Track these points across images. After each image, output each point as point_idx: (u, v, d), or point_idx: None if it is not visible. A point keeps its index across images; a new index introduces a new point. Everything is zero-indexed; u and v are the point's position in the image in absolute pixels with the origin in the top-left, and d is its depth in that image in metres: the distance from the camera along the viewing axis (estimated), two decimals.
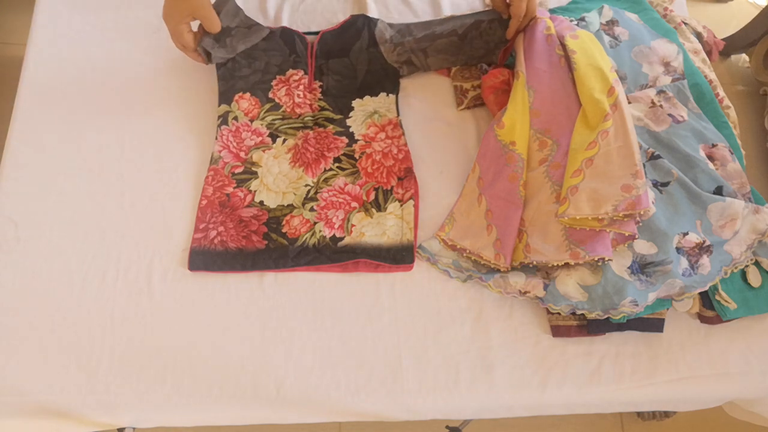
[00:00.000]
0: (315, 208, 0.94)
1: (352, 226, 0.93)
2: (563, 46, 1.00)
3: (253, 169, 0.96)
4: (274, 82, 1.02)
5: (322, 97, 1.03)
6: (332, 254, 0.90)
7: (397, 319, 0.89)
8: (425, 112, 1.06)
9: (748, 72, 1.79)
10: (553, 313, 0.89)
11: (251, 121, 1.00)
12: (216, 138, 0.98)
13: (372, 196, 0.95)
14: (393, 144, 1.00)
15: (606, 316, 0.86)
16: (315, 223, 0.92)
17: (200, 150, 1.00)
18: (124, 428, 0.86)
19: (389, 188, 0.96)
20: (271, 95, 1.01)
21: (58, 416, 0.82)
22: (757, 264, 0.92)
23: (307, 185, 0.95)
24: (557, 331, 0.89)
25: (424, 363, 0.86)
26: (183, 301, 0.88)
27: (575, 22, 1.08)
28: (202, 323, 0.87)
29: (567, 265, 0.87)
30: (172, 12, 0.92)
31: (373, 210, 0.94)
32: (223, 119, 0.99)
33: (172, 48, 1.10)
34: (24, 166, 0.96)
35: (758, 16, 1.67)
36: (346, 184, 0.96)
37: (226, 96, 1.01)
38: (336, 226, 0.92)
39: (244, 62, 1.02)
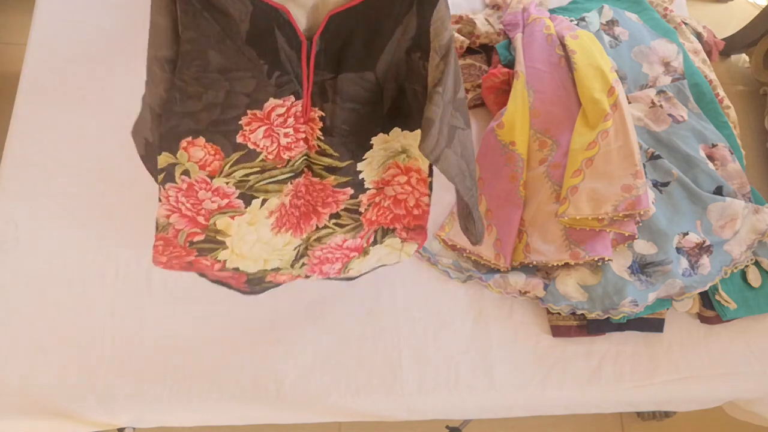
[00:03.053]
0: (306, 262, 0.73)
1: (350, 270, 0.78)
2: (563, 46, 1.00)
3: (219, 238, 0.68)
4: (243, 120, 0.65)
5: (322, 137, 0.68)
6: (324, 282, 0.83)
7: (397, 319, 0.89)
8: None
9: (748, 72, 1.79)
10: (553, 313, 0.89)
11: (210, 177, 0.66)
12: (159, 200, 0.66)
13: (372, 239, 0.75)
14: (412, 194, 0.72)
15: (606, 316, 0.86)
16: (307, 276, 0.76)
17: None
18: (124, 428, 0.86)
19: (392, 228, 0.75)
20: (239, 139, 0.65)
21: (58, 416, 0.82)
22: (757, 264, 0.92)
23: (295, 248, 0.72)
24: (557, 331, 0.89)
25: (424, 363, 0.86)
26: (183, 301, 0.88)
27: (575, 22, 1.08)
28: (201, 323, 0.87)
29: (567, 265, 0.87)
30: None
31: (371, 248, 0.76)
32: (168, 174, 0.66)
33: None
34: (24, 166, 0.96)
35: (758, 16, 1.67)
36: (344, 241, 0.73)
37: (167, 140, 0.65)
38: (331, 274, 0.76)
39: (191, 90, 0.62)
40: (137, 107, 1.02)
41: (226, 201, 0.67)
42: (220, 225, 0.67)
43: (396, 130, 0.70)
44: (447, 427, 1.06)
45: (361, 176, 0.71)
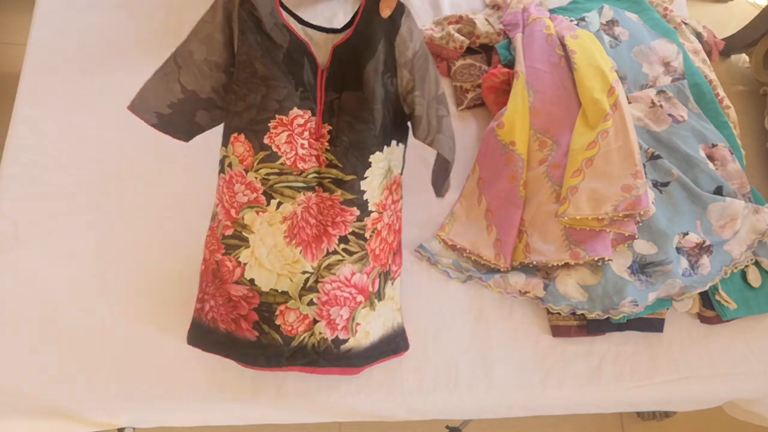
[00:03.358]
0: (315, 301, 0.78)
1: (357, 325, 0.80)
2: (563, 46, 1.00)
3: (244, 234, 0.78)
4: (272, 123, 0.78)
5: (329, 148, 0.80)
6: (334, 359, 0.79)
7: None
8: None
9: (748, 72, 1.79)
10: (553, 313, 0.89)
11: (246, 171, 0.79)
12: (216, 188, 0.83)
13: (377, 285, 0.82)
14: (393, 211, 0.85)
15: (606, 316, 0.86)
16: (315, 321, 0.78)
17: (199, 150, 0.99)
18: (124, 428, 0.86)
19: (388, 269, 0.84)
20: (266, 140, 0.78)
21: (58, 416, 0.82)
22: (757, 264, 0.92)
23: (305, 272, 0.78)
24: (557, 331, 0.89)
25: (424, 363, 0.86)
26: (183, 301, 0.88)
27: (575, 22, 1.08)
28: None
29: (567, 265, 0.87)
30: None
31: (376, 301, 0.82)
32: (222, 165, 0.82)
33: (174, 48, 1.10)
34: (24, 166, 0.96)
35: (758, 16, 1.67)
36: (353, 274, 0.79)
37: (225, 135, 0.82)
38: (339, 327, 0.79)
39: (241, 92, 0.78)
40: None
41: (254, 195, 0.79)
42: (247, 219, 0.79)
43: (386, 148, 0.82)
44: (447, 427, 1.06)
45: (365, 197, 0.80)
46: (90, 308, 0.87)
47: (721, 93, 1.05)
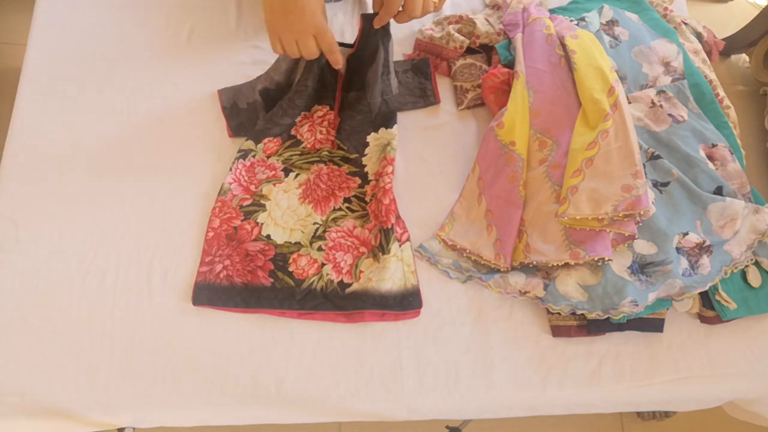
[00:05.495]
0: (323, 247, 0.91)
1: (360, 272, 0.89)
2: (563, 46, 1.00)
3: (262, 201, 0.94)
4: (298, 119, 1.00)
5: (336, 135, 1.00)
6: (339, 300, 0.87)
7: None
8: (425, 112, 1.06)
9: (748, 72, 1.79)
10: (553, 313, 0.89)
11: (267, 157, 0.98)
12: (230, 170, 0.96)
13: (378, 240, 0.91)
14: (390, 176, 0.95)
15: (606, 316, 0.86)
16: (323, 264, 0.90)
17: (199, 152, 1.00)
18: (124, 428, 0.86)
19: (390, 227, 0.90)
20: (293, 132, 1.00)
21: (58, 416, 0.82)
22: (757, 264, 0.92)
23: (315, 223, 0.93)
24: (557, 331, 0.89)
25: (424, 363, 0.86)
26: (183, 300, 0.88)
27: (575, 22, 1.08)
28: (201, 323, 0.87)
29: (567, 265, 0.87)
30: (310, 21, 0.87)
31: (379, 254, 0.89)
32: (243, 154, 0.97)
33: (174, 48, 1.09)
34: (24, 166, 0.96)
35: (758, 16, 1.67)
36: (354, 227, 0.93)
37: (257, 135, 0.99)
38: (344, 271, 0.89)
39: (287, 106, 1.00)
40: (138, 107, 1.03)
41: (273, 173, 0.97)
42: (265, 191, 0.95)
43: (382, 129, 0.98)
44: (447, 427, 1.06)
45: (365, 170, 0.97)
46: (90, 308, 0.87)
47: (721, 93, 1.05)
